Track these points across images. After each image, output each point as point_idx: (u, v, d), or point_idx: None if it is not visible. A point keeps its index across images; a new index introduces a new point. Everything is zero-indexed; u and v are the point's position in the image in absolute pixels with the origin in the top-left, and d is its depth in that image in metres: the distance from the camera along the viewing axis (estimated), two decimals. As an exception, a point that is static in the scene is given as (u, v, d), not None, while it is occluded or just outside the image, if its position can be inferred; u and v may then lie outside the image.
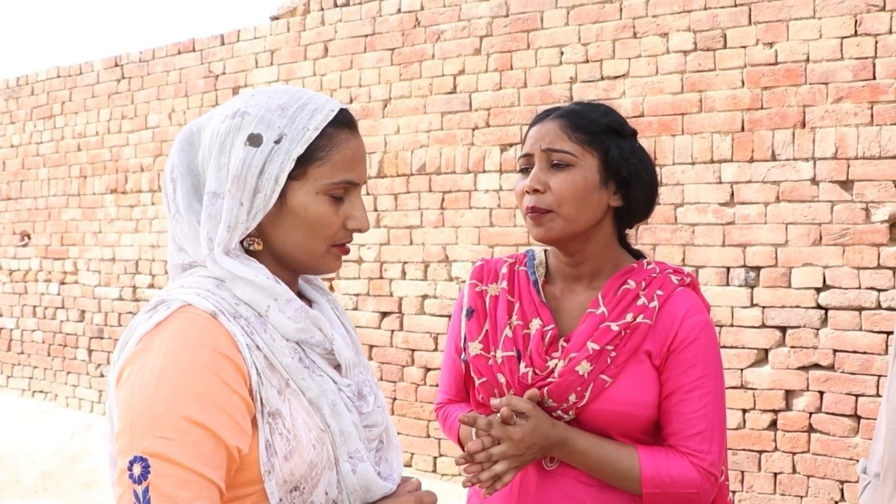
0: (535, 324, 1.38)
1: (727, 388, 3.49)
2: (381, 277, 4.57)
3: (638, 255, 1.47)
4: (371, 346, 4.60)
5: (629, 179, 1.38)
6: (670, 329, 1.34)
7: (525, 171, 1.40)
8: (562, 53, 4.00)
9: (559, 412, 1.34)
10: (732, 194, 3.55)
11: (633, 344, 1.33)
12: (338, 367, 1.09)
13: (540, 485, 1.35)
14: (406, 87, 4.50)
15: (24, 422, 5.95)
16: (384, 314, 4.57)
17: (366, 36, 4.63)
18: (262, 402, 0.98)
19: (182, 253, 1.08)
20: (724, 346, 3.54)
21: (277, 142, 1.02)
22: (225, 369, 0.96)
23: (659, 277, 1.38)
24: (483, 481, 1.29)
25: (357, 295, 4.65)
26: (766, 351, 3.47)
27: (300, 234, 1.05)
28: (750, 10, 3.51)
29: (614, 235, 1.43)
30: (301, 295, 1.13)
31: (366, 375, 1.14)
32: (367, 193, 4.62)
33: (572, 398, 1.32)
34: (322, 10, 4.81)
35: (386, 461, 1.10)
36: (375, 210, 4.60)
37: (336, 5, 4.75)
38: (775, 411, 3.43)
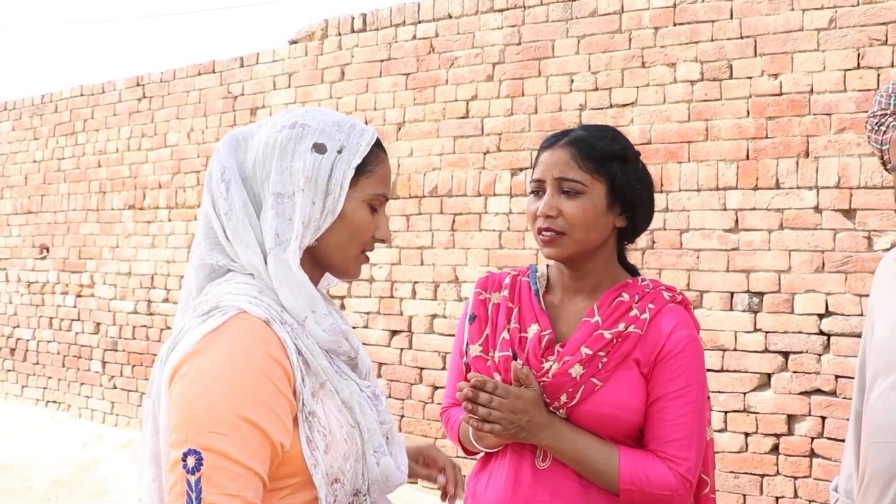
0: (533, 328, 1.47)
1: (729, 411, 3.55)
2: (392, 296, 4.66)
3: (634, 273, 1.57)
4: (380, 364, 4.67)
5: (634, 202, 1.48)
6: (658, 340, 1.43)
7: (536, 193, 1.50)
8: (572, 81, 4.10)
9: (551, 409, 1.43)
10: (737, 221, 3.62)
11: (623, 351, 1.42)
12: (354, 369, 1.20)
13: (533, 482, 1.44)
14: (420, 111, 4.61)
15: (37, 431, 6.05)
16: (394, 332, 4.65)
17: (381, 61, 4.76)
18: (303, 402, 1.08)
19: (216, 252, 1.16)
20: (726, 371, 3.60)
21: (339, 152, 1.15)
22: (275, 372, 1.06)
23: (652, 293, 1.48)
24: (478, 420, 1.40)
25: (367, 313, 4.74)
26: (769, 375, 3.52)
27: (343, 237, 1.17)
28: (755, 42, 3.60)
29: (615, 252, 1.54)
30: None
31: (375, 380, 1.25)
32: (380, 214, 4.72)
33: (563, 398, 1.42)
34: (339, 35, 4.94)
35: (393, 455, 1.20)
36: (387, 230, 4.69)
37: (353, 31, 4.89)
38: (777, 435, 3.48)
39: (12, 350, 6.93)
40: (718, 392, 3.59)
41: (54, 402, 6.55)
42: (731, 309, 3.61)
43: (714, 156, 3.69)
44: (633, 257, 3.76)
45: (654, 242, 3.82)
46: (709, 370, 3.61)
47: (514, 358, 1.46)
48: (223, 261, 1.16)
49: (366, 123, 4.79)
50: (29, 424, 6.21)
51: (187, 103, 5.74)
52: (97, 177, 6.33)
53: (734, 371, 3.58)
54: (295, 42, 5.17)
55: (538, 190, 1.50)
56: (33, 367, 6.74)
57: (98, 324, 6.26)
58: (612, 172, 1.47)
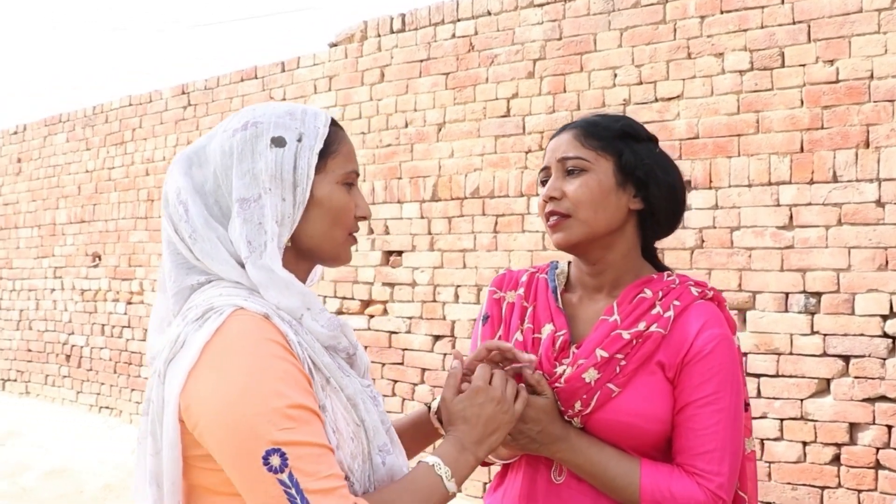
0: (547, 328, 1.36)
1: (786, 419, 3.35)
2: (435, 301, 4.57)
3: (663, 270, 1.43)
4: (423, 370, 4.58)
5: (646, 180, 1.35)
6: (685, 340, 1.29)
7: (545, 183, 1.39)
8: (615, 75, 3.95)
9: (567, 418, 1.31)
10: (791, 217, 3.42)
11: (643, 353, 1.29)
12: (353, 367, 1.16)
13: (546, 499, 1.32)
14: (460, 110, 4.52)
15: (90, 436, 6.15)
16: (437, 337, 4.56)
17: (421, 61, 4.68)
18: (314, 395, 1.05)
19: (193, 274, 1.12)
20: (782, 375, 3.40)
21: (299, 140, 1.11)
22: (291, 359, 1.04)
23: (678, 288, 1.34)
24: None
25: (410, 318, 4.66)
26: (828, 381, 3.31)
27: (326, 224, 1.13)
28: (809, 27, 3.40)
29: (637, 245, 1.40)
30: None
31: (371, 379, 1.20)
32: (422, 217, 4.64)
33: (578, 405, 1.29)
34: (379, 36, 4.89)
35: (394, 456, 1.14)
36: (429, 233, 4.61)
37: (392, 31, 4.83)
38: (838, 445, 3.26)
39: (68, 356, 7.08)
40: (773, 398, 3.39)
41: (107, 407, 6.65)
42: (787, 310, 3.41)
43: (766, 149, 3.49)
44: (681, 257, 3.63)
45: (703, 241, 3.64)
46: (763, 375, 3.42)
47: None
48: (203, 277, 1.12)
49: (406, 125, 4.74)
50: (82, 430, 6.32)
51: (231, 110, 5.76)
52: (145, 185, 6.42)
53: (790, 376, 3.38)
54: (335, 45, 5.14)
55: (546, 179, 1.39)
56: (87, 374, 6.87)
57: (147, 331, 6.33)
58: (619, 149, 1.35)
